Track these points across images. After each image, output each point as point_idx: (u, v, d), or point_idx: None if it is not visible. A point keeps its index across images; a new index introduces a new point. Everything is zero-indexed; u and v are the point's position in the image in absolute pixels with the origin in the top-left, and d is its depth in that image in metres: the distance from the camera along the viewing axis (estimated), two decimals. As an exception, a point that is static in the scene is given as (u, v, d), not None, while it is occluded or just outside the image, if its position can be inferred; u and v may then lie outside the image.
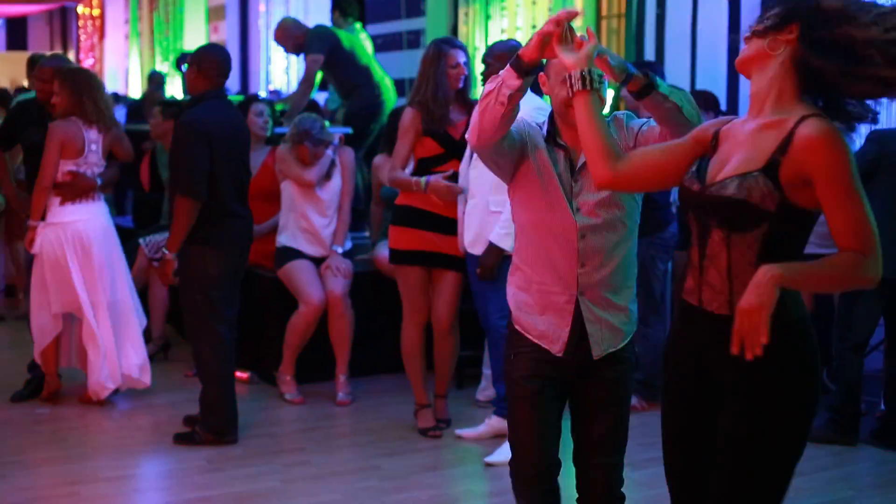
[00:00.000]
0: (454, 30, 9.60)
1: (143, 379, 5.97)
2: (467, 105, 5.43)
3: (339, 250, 6.20)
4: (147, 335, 6.97)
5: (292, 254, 6.17)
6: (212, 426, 5.36)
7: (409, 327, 5.56)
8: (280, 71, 13.95)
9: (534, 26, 8.95)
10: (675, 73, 7.53)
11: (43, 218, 5.74)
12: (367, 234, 7.40)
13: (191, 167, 5.17)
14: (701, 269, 2.71)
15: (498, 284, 5.00)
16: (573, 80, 2.82)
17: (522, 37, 9.05)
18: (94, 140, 5.81)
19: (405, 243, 5.47)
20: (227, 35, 14.99)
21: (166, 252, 5.26)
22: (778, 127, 2.60)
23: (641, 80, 3.00)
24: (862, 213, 2.50)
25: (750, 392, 2.62)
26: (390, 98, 8.15)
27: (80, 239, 5.77)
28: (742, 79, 7.37)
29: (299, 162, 6.13)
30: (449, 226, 5.42)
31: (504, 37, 9.29)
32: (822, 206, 2.54)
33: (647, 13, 7.83)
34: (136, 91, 17.14)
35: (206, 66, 5.28)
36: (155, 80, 13.71)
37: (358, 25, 8.88)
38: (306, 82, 7.91)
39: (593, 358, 3.31)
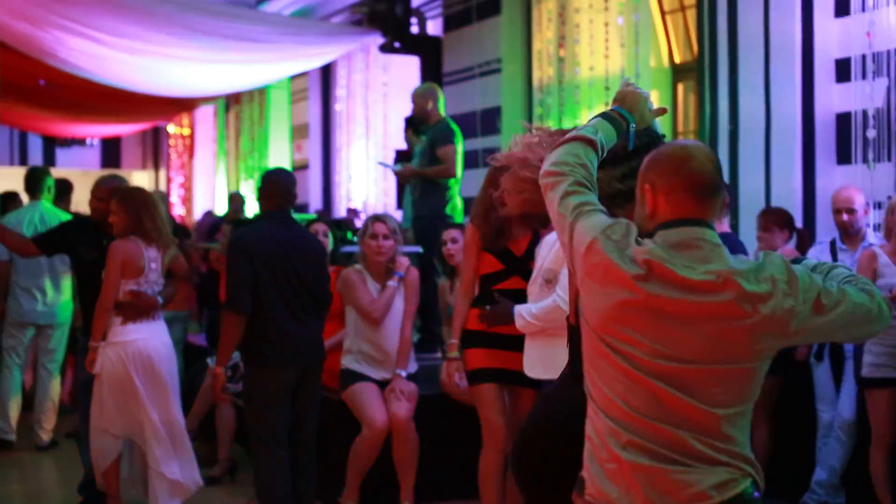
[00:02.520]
0: (528, 147, 9.60)
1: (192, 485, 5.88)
2: (529, 222, 5.35)
3: (403, 373, 6.10)
4: (214, 456, 6.93)
5: (356, 377, 6.09)
6: None
7: (488, 452, 5.34)
8: (361, 188, 14.10)
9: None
10: (750, 190, 7.41)
11: (104, 338, 5.74)
12: (439, 354, 7.29)
13: (232, 282, 5.38)
14: None
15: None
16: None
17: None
18: (153, 258, 5.83)
19: (478, 362, 5.35)
20: (310, 153, 15.24)
21: (212, 365, 5.33)
22: None
23: None
24: None
25: None
26: (457, 209, 8.10)
27: (141, 357, 5.73)
28: (819, 191, 7.22)
29: (365, 268, 6.08)
30: (521, 343, 5.21)
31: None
32: None
33: (720, 128, 7.75)
34: (221, 209, 17.45)
35: (269, 188, 5.55)
36: (236, 201, 14.00)
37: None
38: (445, 168, 7.93)
39: None
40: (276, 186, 5.56)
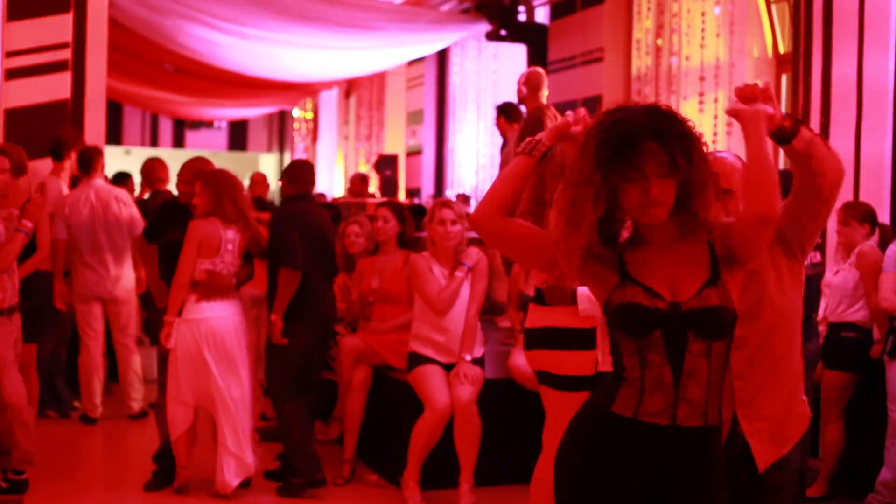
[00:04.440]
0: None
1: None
2: None
3: (468, 357, 6.16)
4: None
5: (422, 359, 6.19)
6: (301, 471, 6.06)
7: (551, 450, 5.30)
8: (470, 173, 14.24)
9: (715, 133, 8.83)
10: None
11: (179, 314, 5.97)
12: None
13: (287, 243, 6.06)
14: (677, 386, 2.68)
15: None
16: (524, 145, 2.84)
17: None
18: (230, 240, 6.02)
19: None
20: (424, 139, 15.42)
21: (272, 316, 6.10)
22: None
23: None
24: None
25: None
26: None
27: (213, 335, 5.94)
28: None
29: (432, 254, 6.16)
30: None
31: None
32: None
33: (812, 121, 7.63)
34: (339, 191, 17.81)
35: (295, 175, 6.39)
36: (356, 182, 14.33)
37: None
38: None
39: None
40: (301, 175, 6.39)
